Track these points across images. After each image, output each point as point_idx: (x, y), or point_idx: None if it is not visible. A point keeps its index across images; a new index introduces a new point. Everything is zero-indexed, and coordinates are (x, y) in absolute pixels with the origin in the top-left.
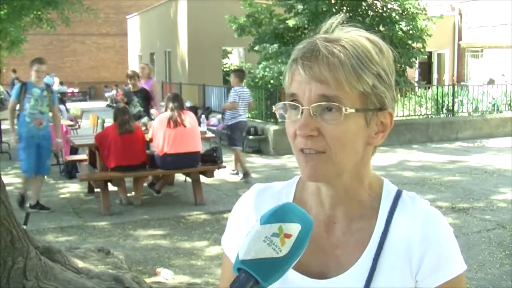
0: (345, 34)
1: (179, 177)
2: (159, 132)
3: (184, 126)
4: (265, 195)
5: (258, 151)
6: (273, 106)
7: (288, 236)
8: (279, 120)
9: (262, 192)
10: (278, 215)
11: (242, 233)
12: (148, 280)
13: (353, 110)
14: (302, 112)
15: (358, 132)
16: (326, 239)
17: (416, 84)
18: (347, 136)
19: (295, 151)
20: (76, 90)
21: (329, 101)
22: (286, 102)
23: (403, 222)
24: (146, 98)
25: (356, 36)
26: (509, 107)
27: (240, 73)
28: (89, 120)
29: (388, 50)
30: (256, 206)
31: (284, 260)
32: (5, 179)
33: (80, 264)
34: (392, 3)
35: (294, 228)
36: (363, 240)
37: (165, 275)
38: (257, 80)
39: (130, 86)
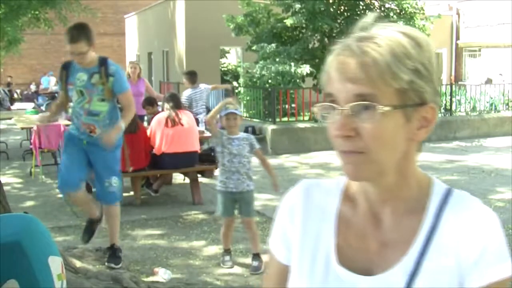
0: (380, 31)
1: (178, 176)
2: (157, 132)
3: (182, 125)
4: (314, 191)
5: None
6: (314, 108)
7: None
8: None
9: (310, 188)
10: None
11: (288, 231)
12: (146, 280)
13: (389, 108)
14: (339, 113)
15: (398, 129)
16: (373, 236)
17: None
18: (385, 135)
19: (336, 152)
20: None
21: (365, 100)
22: (324, 104)
23: (453, 220)
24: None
25: (391, 32)
26: (507, 106)
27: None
28: None
29: (428, 44)
30: (304, 202)
31: None
32: (3, 179)
33: (78, 264)
34: (390, 2)
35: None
36: (410, 237)
37: (163, 274)
38: (255, 79)
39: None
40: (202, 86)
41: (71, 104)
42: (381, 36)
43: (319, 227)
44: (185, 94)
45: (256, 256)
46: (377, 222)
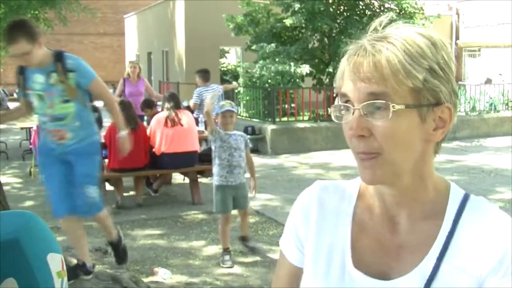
0: (395, 31)
1: (177, 176)
2: (157, 132)
3: (181, 125)
4: (329, 192)
5: (256, 151)
6: (329, 109)
7: None
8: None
9: (325, 189)
10: None
11: (301, 231)
12: (146, 280)
13: (402, 107)
14: (353, 113)
15: (412, 129)
16: (390, 239)
17: None
18: (399, 134)
19: (353, 154)
20: None
21: (377, 98)
22: (338, 104)
23: (471, 225)
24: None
25: (406, 32)
26: (507, 106)
27: (204, 73)
28: None
29: (444, 44)
30: (319, 203)
31: None
32: (2, 179)
33: None
34: (390, 2)
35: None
36: (427, 241)
37: (162, 274)
38: (254, 79)
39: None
40: (214, 85)
41: (35, 112)
42: (396, 36)
43: (334, 229)
44: (196, 91)
45: (246, 238)
46: (393, 225)
